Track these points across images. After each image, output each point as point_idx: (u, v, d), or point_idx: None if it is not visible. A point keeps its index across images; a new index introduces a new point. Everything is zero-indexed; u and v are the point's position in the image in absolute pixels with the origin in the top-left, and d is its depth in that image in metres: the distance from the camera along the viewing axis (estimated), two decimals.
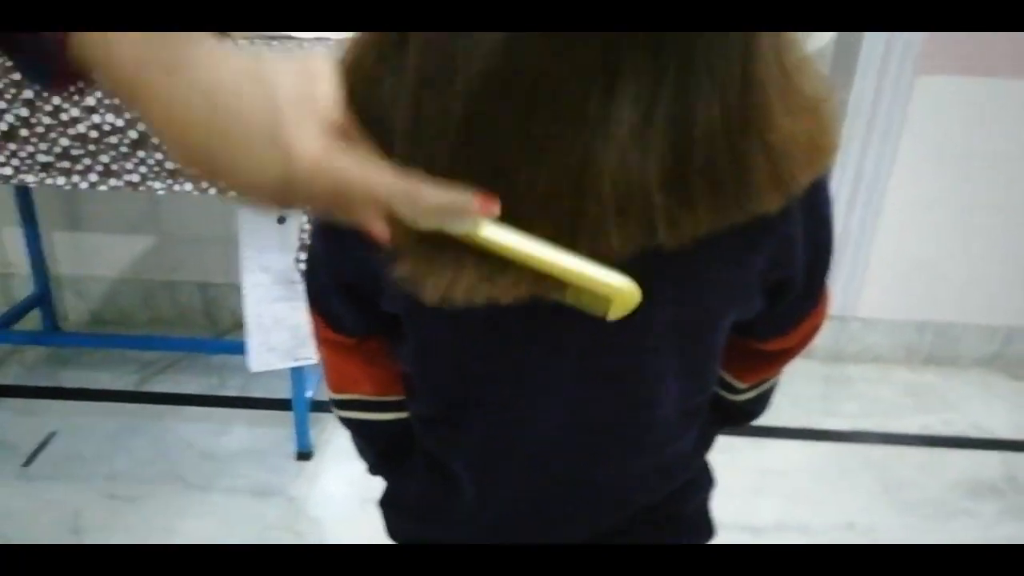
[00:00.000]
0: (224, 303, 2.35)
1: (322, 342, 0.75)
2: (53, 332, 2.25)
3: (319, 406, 1.96)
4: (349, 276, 0.64)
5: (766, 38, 0.49)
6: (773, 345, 0.73)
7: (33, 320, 2.21)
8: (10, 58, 0.46)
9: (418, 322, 0.64)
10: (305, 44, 1.69)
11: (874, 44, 1.97)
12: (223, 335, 2.34)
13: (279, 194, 0.43)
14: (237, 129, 0.41)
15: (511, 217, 0.48)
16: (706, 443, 0.79)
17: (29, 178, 1.50)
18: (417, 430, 0.75)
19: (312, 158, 0.42)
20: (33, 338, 2.22)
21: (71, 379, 2.10)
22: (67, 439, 1.88)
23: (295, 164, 0.42)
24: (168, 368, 2.15)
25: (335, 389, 0.77)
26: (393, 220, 0.47)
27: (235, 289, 2.29)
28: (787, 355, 0.75)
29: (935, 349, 2.30)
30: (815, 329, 0.72)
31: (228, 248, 2.24)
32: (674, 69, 0.46)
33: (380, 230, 0.46)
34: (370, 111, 0.49)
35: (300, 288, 1.57)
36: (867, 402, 2.14)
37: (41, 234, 2.17)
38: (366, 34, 0.52)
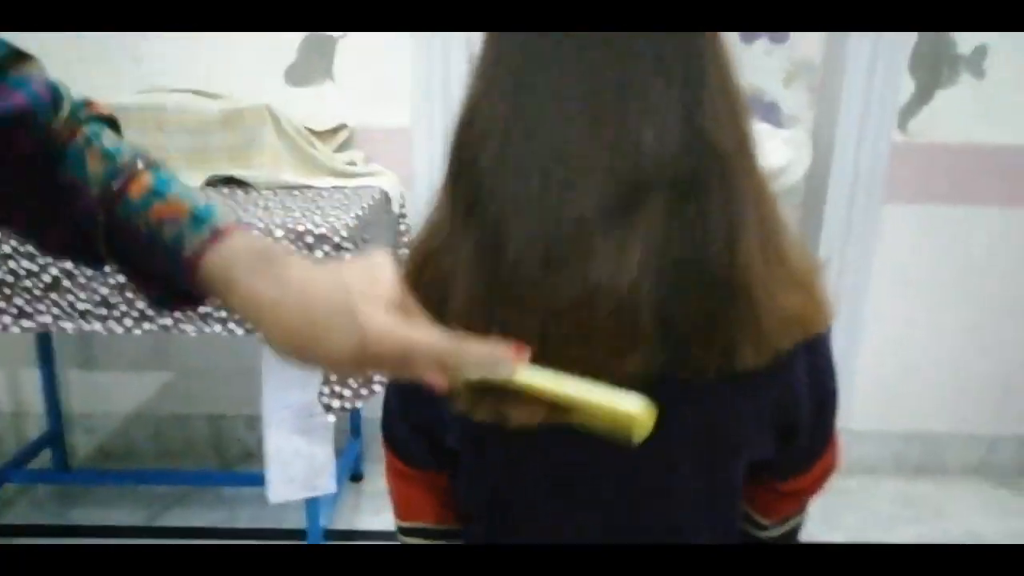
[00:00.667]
0: (232, 434, 2.40)
1: (393, 474, 0.86)
2: (63, 470, 2.28)
3: (334, 535, 1.99)
4: (418, 418, 0.75)
5: (751, 213, 0.60)
6: (789, 486, 0.81)
7: (44, 458, 2.25)
8: (140, 288, 0.57)
9: (471, 450, 0.74)
10: (324, 193, 1.83)
11: (842, 175, 2.15)
12: (231, 466, 2.38)
13: (355, 362, 0.52)
14: (323, 319, 0.51)
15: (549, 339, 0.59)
16: None
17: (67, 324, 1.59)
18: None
19: (378, 330, 0.51)
20: (43, 476, 2.25)
21: (81, 516, 2.12)
22: None
23: (367, 336, 0.51)
24: (178, 503, 2.18)
25: (402, 517, 0.88)
26: (448, 373, 0.56)
27: (244, 420, 2.36)
28: (803, 494, 0.84)
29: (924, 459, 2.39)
30: (828, 471, 0.81)
31: (237, 380, 2.32)
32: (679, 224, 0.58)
33: (438, 382, 0.55)
34: (434, 283, 0.63)
35: (317, 421, 1.65)
36: (866, 514, 2.20)
37: (57, 373, 2.24)
38: (431, 225, 0.68)
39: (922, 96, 2.07)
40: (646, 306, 0.58)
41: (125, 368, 2.34)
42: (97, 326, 1.59)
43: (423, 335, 0.53)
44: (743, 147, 0.61)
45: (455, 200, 0.65)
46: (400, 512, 0.89)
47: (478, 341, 0.55)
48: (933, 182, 2.14)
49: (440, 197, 0.68)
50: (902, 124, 2.09)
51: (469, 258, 0.62)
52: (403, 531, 0.89)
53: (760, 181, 0.62)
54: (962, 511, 2.21)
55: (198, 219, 0.54)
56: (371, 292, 0.52)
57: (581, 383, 0.56)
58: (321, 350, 0.52)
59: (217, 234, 0.53)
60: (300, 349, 0.53)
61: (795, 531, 0.88)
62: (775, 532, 0.86)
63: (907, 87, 2.06)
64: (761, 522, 0.85)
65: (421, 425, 0.76)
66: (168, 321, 1.59)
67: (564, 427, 0.60)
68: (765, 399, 0.68)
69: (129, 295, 1.57)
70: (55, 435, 2.25)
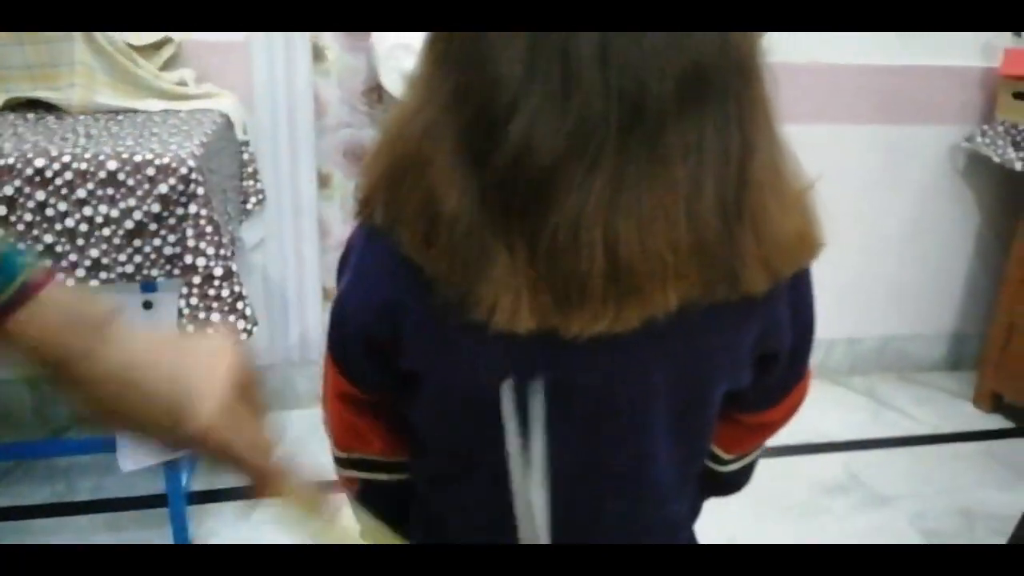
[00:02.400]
0: (55, 397, 2.13)
1: (335, 396, 0.76)
2: None
3: (195, 498, 1.83)
4: (375, 329, 0.67)
5: (763, 143, 0.57)
6: (759, 418, 0.80)
7: None
8: None
9: (437, 377, 0.67)
10: (155, 117, 1.60)
11: None
12: (60, 433, 2.12)
13: (176, 445, 0.51)
14: (145, 402, 0.48)
15: (542, 274, 0.55)
16: (695, 512, 0.84)
17: None
18: (422, 491, 0.77)
19: (203, 429, 0.48)
20: None
21: None
22: None
23: (191, 431, 0.48)
24: (2, 479, 1.92)
25: (341, 446, 0.79)
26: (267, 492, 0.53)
27: None
28: (771, 428, 0.82)
29: None
30: (797, 404, 0.80)
31: None
32: (683, 163, 0.54)
33: (258, 492, 0.51)
34: (417, 190, 0.57)
35: None
36: None
37: None
38: (410, 109, 0.59)
39: None
40: (662, 231, 0.54)
41: None
42: None
43: (246, 450, 0.50)
44: (758, 50, 0.56)
45: (440, 85, 0.57)
46: (339, 440, 0.80)
47: (300, 478, 0.53)
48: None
49: (415, 89, 0.60)
50: None
51: (461, 154, 0.55)
52: (342, 462, 0.80)
53: (769, 89, 0.57)
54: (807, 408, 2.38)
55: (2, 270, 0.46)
56: (205, 384, 0.49)
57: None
58: (139, 430, 0.50)
59: (26, 290, 0.47)
60: (114, 426, 0.52)
61: (751, 466, 0.87)
62: (734, 466, 0.84)
63: None
64: (722, 456, 0.83)
65: (377, 340, 0.67)
66: None
67: (553, 337, 0.57)
68: (751, 327, 0.66)
69: None
70: None
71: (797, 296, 0.68)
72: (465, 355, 0.64)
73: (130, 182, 1.34)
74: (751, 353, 0.68)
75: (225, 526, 1.79)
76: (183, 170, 1.36)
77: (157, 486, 1.75)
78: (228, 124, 1.73)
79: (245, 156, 1.86)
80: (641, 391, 0.66)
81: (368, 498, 0.80)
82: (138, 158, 1.35)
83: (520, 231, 0.54)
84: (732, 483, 0.87)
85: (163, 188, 1.36)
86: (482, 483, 0.70)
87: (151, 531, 1.75)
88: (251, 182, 1.89)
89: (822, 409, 2.36)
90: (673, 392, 0.66)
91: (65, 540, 1.74)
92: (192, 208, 1.37)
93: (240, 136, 1.79)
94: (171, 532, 1.69)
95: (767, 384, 0.73)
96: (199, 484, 1.90)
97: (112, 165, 1.33)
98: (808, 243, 0.61)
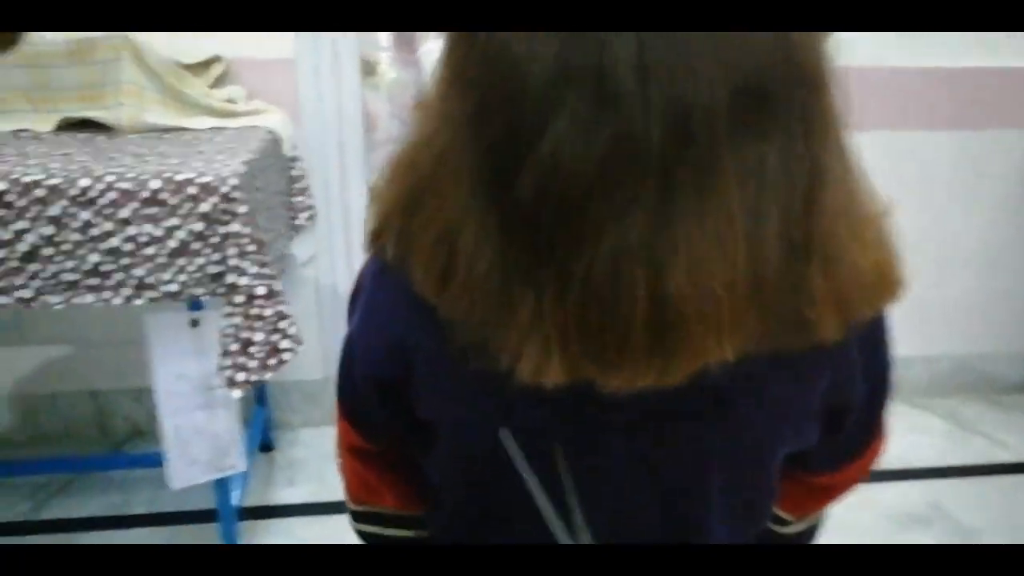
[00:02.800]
0: (117, 411, 2.17)
1: (346, 450, 0.73)
2: None
3: (246, 514, 1.83)
4: (386, 372, 0.61)
5: (834, 164, 0.47)
6: (827, 480, 0.71)
7: None
8: None
9: (453, 429, 0.61)
10: (202, 135, 1.61)
11: None
12: (119, 447, 2.16)
13: None
14: None
15: (574, 318, 0.47)
16: None
17: None
18: (437, 540, 0.72)
19: None
20: None
21: None
22: None
23: None
24: (62, 491, 1.95)
25: (355, 500, 0.75)
26: None
27: (129, 395, 2.13)
28: (840, 489, 0.74)
29: None
30: (870, 464, 0.71)
31: (115, 350, 2.08)
32: (737, 182, 0.45)
33: None
34: (430, 229, 0.50)
35: (218, 394, 1.47)
36: None
37: None
38: (411, 151, 0.53)
39: None
40: (717, 270, 0.46)
41: None
42: None
43: None
44: (823, 54, 0.48)
45: (457, 104, 0.49)
46: (353, 494, 0.75)
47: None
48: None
49: (429, 109, 0.53)
50: None
51: (481, 182, 0.48)
52: (357, 516, 0.76)
53: (838, 100, 0.49)
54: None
55: None
56: None
57: None
58: None
59: None
60: None
61: (815, 528, 0.79)
62: (795, 529, 0.76)
63: None
64: (785, 518, 0.75)
65: (387, 383, 0.62)
66: (27, 293, 1.36)
67: (587, 391, 0.49)
68: (819, 379, 0.57)
69: None
70: None
71: (873, 342, 0.60)
72: (484, 406, 0.57)
73: (172, 201, 1.34)
74: (818, 408, 0.59)
75: (275, 542, 1.78)
76: (224, 188, 1.35)
77: (211, 500, 1.76)
78: (276, 141, 1.72)
79: (294, 172, 1.86)
80: (689, 458, 0.59)
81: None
82: (180, 177, 1.34)
83: (548, 271, 0.46)
84: (794, 545, 0.78)
85: (205, 207, 1.35)
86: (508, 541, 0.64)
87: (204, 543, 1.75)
88: (301, 198, 1.88)
89: (900, 432, 2.22)
90: (728, 454, 0.59)
91: None
92: (234, 227, 1.36)
93: (288, 152, 1.79)
94: None
95: (836, 443, 0.65)
96: (251, 500, 1.90)
97: (155, 184, 1.33)
98: (887, 281, 0.53)
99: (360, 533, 0.76)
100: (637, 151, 0.43)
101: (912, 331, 2.25)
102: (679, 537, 0.63)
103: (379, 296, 0.61)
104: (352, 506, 0.76)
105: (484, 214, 0.48)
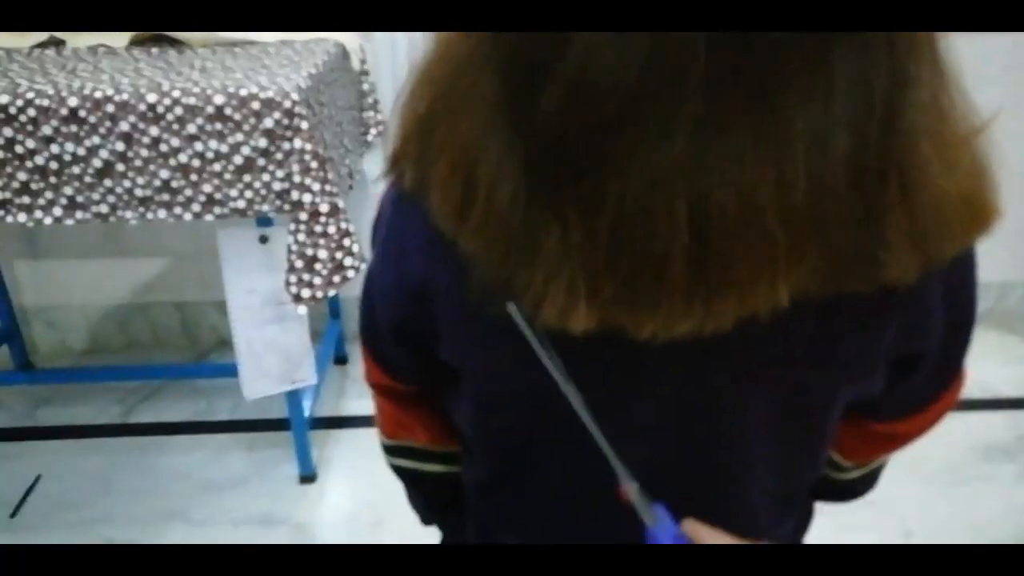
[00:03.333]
0: (203, 321, 2.26)
1: (374, 387, 0.70)
2: (27, 369, 2.14)
3: (319, 423, 1.89)
4: (406, 315, 0.57)
5: (923, 73, 0.40)
6: (892, 428, 0.64)
7: (3, 357, 2.10)
8: None
9: (478, 375, 0.57)
10: (270, 49, 1.59)
11: None
12: (205, 356, 2.25)
13: None
14: None
15: (603, 256, 0.41)
16: (805, 526, 0.71)
17: None
18: (470, 495, 0.70)
19: None
20: (7, 378, 2.11)
21: (50, 417, 2.00)
22: (54, 483, 1.78)
23: None
24: (151, 396, 2.06)
25: (387, 434, 0.74)
26: None
27: (214, 306, 2.20)
28: (905, 439, 0.67)
29: None
30: (943, 413, 0.64)
31: (201, 264, 2.15)
32: (797, 84, 0.38)
33: None
34: (452, 150, 0.45)
35: (290, 309, 1.49)
36: None
37: (1, 265, 2.05)
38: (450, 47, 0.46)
39: None
40: (772, 199, 0.39)
41: (77, 256, 2.15)
42: (23, 217, 1.39)
43: None
44: None
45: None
46: (385, 428, 0.73)
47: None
48: None
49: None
50: None
51: (504, 98, 0.42)
52: (389, 450, 0.74)
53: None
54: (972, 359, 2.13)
55: None
56: None
57: None
58: None
59: None
60: None
61: (877, 472, 0.72)
62: (853, 475, 0.71)
63: None
64: (842, 464, 0.69)
65: (408, 327, 0.58)
66: (103, 208, 1.40)
67: (618, 337, 0.44)
68: (888, 325, 0.50)
69: (53, 181, 1.37)
70: (11, 330, 2.09)
71: (956, 283, 0.51)
72: (508, 351, 0.52)
73: (236, 116, 1.34)
74: (886, 355, 0.52)
75: (346, 452, 1.84)
76: (287, 104, 1.33)
77: (287, 411, 1.82)
78: (344, 54, 1.69)
79: (365, 87, 1.83)
80: (731, 412, 0.53)
81: (419, 488, 0.76)
82: (244, 92, 1.33)
83: (575, 200, 0.41)
84: (850, 491, 0.73)
85: (268, 123, 1.34)
86: (536, 490, 0.62)
87: (279, 452, 1.82)
88: (372, 113, 1.86)
89: (990, 360, 2.11)
90: (777, 406, 0.53)
91: (201, 457, 1.85)
92: (297, 143, 1.35)
93: (357, 66, 1.76)
94: (295, 458, 1.75)
95: (906, 391, 0.58)
96: (325, 410, 1.95)
97: (219, 100, 1.33)
98: (978, 213, 0.44)
99: (394, 467, 0.75)
100: (679, 58, 0.37)
101: (1013, 255, 2.10)
102: (717, 489, 0.59)
103: (396, 230, 0.56)
104: (385, 440, 0.74)
105: (505, 136, 0.42)
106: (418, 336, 0.58)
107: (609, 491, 0.59)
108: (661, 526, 0.38)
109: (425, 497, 0.76)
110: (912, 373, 0.56)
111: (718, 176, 0.38)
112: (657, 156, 0.39)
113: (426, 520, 0.80)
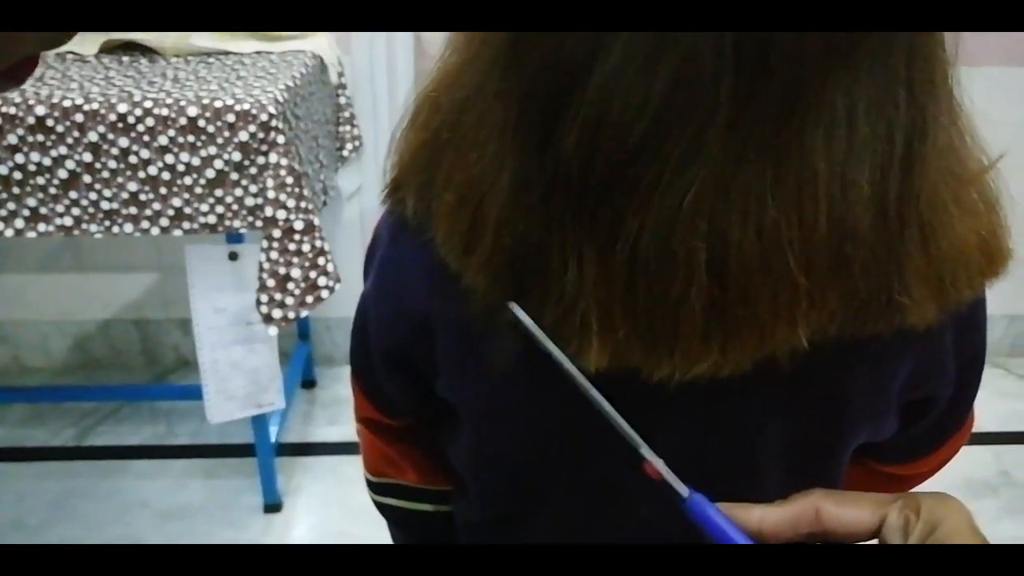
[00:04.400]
0: (164, 340, 2.18)
1: (362, 420, 0.66)
2: None
3: (285, 450, 1.82)
4: (403, 348, 0.55)
5: (943, 110, 0.40)
6: (899, 470, 0.63)
7: None
8: None
9: (480, 412, 0.54)
10: (246, 59, 1.54)
11: None
12: (165, 376, 2.17)
13: None
14: None
15: (618, 294, 0.40)
16: None
17: None
18: (462, 534, 0.66)
19: None
20: None
21: (1, 438, 1.90)
22: (6, 507, 1.69)
23: None
24: (108, 418, 1.97)
25: (372, 471, 0.69)
26: None
27: (177, 324, 2.13)
28: (912, 482, 0.65)
29: None
30: (950, 456, 0.63)
31: (164, 280, 2.08)
32: (812, 120, 0.37)
33: None
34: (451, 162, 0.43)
35: (259, 329, 1.43)
36: None
37: None
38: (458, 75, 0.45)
39: None
40: (793, 239, 0.38)
41: (34, 270, 2.07)
42: None
43: None
44: None
45: (489, 34, 0.42)
46: (371, 466, 0.69)
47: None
48: None
49: (461, 39, 0.46)
50: None
51: (517, 129, 0.41)
52: (375, 488, 0.70)
53: (949, 42, 0.40)
54: None
55: None
56: None
57: None
58: None
59: None
60: None
61: None
62: None
63: None
64: None
65: (403, 359, 0.56)
66: (67, 221, 1.33)
67: (630, 377, 0.42)
68: (901, 366, 0.49)
69: (16, 191, 1.30)
70: None
71: (968, 326, 0.51)
72: (513, 390, 0.50)
73: (210, 129, 1.29)
74: (899, 398, 0.51)
75: (314, 480, 1.78)
76: (263, 117, 1.28)
77: (251, 436, 1.75)
78: (321, 66, 1.65)
79: (341, 100, 1.79)
80: (745, 450, 0.52)
81: (407, 528, 0.72)
82: (218, 104, 1.28)
83: (591, 236, 0.40)
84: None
85: (243, 136, 1.29)
86: (537, 532, 0.58)
87: (243, 480, 1.75)
88: (348, 127, 1.82)
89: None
90: (790, 450, 0.52)
91: (162, 484, 1.77)
92: (272, 157, 1.30)
93: (334, 79, 1.71)
94: (259, 486, 1.68)
95: (915, 434, 0.57)
96: (291, 436, 1.89)
97: (192, 111, 1.28)
98: (995, 256, 0.44)
99: (380, 505, 0.71)
100: (702, 93, 0.36)
101: (996, 288, 2.12)
102: None
103: (396, 257, 0.53)
104: (370, 477, 0.70)
105: (517, 168, 0.41)
106: (415, 370, 0.55)
107: (613, 531, 0.55)
108: (697, 497, 0.36)
109: (413, 538, 0.72)
110: (922, 418, 0.55)
111: (739, 214, 0.38)
112: (678, 190, 0.38)
113: None
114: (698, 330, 0.40)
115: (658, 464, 0.38)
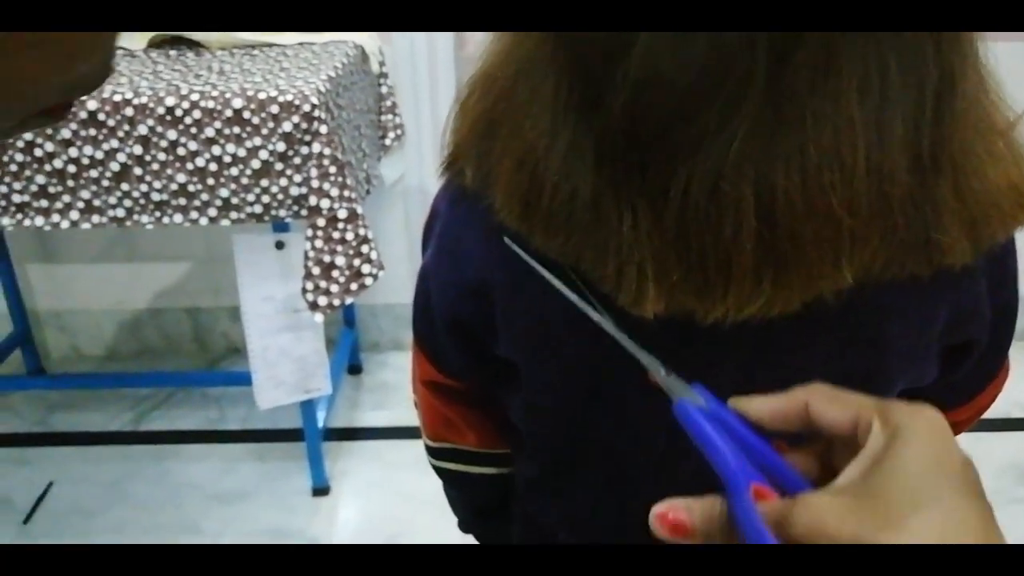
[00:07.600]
0: (215, 328, 2.23)
1: (422, 383, 0.69)
2: (39, 375, 2.11)
3: (332, 435, 1.86)
4: (463, 312, 0.58)
5: (967, 69, 0.42)
6: None
7: (15, 361, 2.07)
8: None
9: (534, 371, 0.57)
10: (288, 51, 1.57)
11: None
12: (216, 363, 2.22)
13: None
14: None
15: (671, 242, 0.43)
16: None
17: (4, 220, 1.37)
18: (520, 490, 0.69)
19: None
20: (19, 383, 2.08)
21: (62, 422, 1.97)
22: (66, 489, 1.75)
23: None
24: (163, 403, 2.03)
25: (432, 436, 0.72)
26: None
27: (226, 312, 2.18)
28: (953, 430, 0.66)
29: None
30: (987, 405, 0.65)
31: (213, 269, 2.12)
32: (855, 78, 0.40)
33: None
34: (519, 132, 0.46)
35: (305, 316, 1.46)
36: None
37: (15, 268, 2.03)
38: (507, 52, 0.48)
39: None
40: (836, 184, 0.41)
41: (90, 260, 2.13)
42: (40, 220, 1.37)
43: None
44: None
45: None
46: (430, 430, 0.72)
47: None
48: None
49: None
50: None
51: (568, 96, 0.44)
52: (433, 452, 0.73)
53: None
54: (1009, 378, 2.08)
55: None
56: None
57: None
58: None
59: None
60: None
61: None
62: None
63: None
64: None
65: (465, 323, 0.59)
66: (120, 212, 1.37)
67: (684, 322, 0.45)
68: (940, 311, 0.51)
69: (71, 184, 1.34)
70: (24, 335, 2.07)
71: (1001, 270, 0.53)
72: (571, 344, 0.53)
73: (255, 120, 1.31)
74: (939, 343, 0.53)
75: (360, 464, 1.81)
76: (306, 107, 1.30)
77: (300, 421, 1.79)
78: (362, 56, 1.66)
79: (383, 90, 1.80)
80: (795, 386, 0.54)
81: (464, 490, 0.74)
82: (263, 95, 1.31)
83: (642, 190, 0.43)
84: None
85: (287, 126, 1.32)
86: (588, 493, 0.60)
87: (291, 463, 1.79)
88: (390, 116, 1.84)
89: (1020, 377, 2.06)
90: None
91: (213, 467, 1.82)
92: (315, 147, 1.33)
93: (376, 68, 1.73)
94: (308, 469, 1.72)
95: (953, 380, 0.58)
96: (338, 421, 1.92)
97: (237, 103, 1.30)
98: (1022, 201, 0.46)
99: (439, 469, 0.73)
100: (739, 55, 0.39)
101: None
102: None
103: (454, 227, 0.57)
104: (429, 442, 0.72)
105: (571, 134, 0.44)
106: (475, 332, 0.58)
107: (650, 493, 0.56)
108: (682, 401, 0.37)
109: (471, 501, 0.74)
110: (960, 363, 0.57)
111: (782, 160, 0.40)
112: (724, 142, 0.40)
113: (466, 526, 0.78)
114: (749, 270, 0.42)
115: (655, 372, 0.40)
